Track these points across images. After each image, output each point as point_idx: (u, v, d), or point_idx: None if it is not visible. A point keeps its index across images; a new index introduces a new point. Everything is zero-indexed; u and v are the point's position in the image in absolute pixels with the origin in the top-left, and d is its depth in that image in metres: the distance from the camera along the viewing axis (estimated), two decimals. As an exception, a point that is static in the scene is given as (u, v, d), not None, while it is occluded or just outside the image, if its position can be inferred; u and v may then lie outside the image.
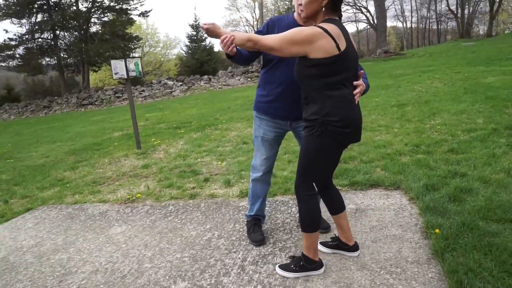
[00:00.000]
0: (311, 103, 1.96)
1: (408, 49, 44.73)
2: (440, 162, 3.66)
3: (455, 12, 50.44)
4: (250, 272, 2.29)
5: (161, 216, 3.33)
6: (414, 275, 2.06)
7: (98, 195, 4.11)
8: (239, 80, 20.53)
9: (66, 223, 3.46)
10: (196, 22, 27.71)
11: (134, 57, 5.82)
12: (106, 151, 6.30)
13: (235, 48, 2.09)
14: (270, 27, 2.32)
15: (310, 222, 2.10)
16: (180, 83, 20.61)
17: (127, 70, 5.52)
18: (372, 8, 41.99)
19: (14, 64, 24.15)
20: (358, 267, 2.21)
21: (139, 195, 3.89)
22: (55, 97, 23.19)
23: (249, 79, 20.76)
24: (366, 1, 45.99)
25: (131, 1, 24.12)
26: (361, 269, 2.18)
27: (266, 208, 3.23)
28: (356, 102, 1.99)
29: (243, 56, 2.28)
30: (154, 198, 3.77)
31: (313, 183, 2.06)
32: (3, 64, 24.14)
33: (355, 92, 1.98)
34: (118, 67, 5.50)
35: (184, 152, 5.37)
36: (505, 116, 4.90)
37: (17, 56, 23.97)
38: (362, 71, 2.11)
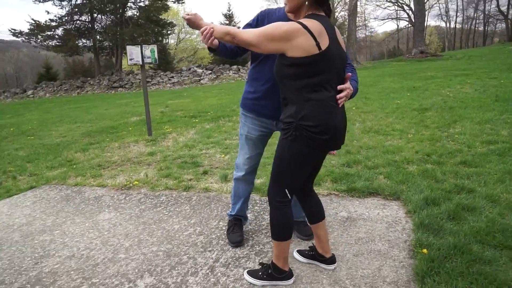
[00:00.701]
0: (289, 104, 1.82)
1: (449, 51, 42.92)
2: (449, 175, 3.42)
3: (505, 13, 47.74)
4: (219, 274, 2.20)
5: (151, 206, 3.29)
6: (387, 298, 1.91)
7: (99, 179, 4.15)
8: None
9: (61, 205, 3.49)
10: (229, 11, 27.66)
11: (151, 43, 5.80)
12: (119, 135, 6.37)
13: (216, 40, 1.98)
14: (260, 20, 2.19)
15: (280, 231, 1.98)
16: (209, 72, 20.69)
17: (143, 57, 5.52)
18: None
19: (53, 44, 24.99)
20: (330, 282, 2.07)
21: (136, 182, 3.89)
22: (88, 78, 23.87)
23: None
24: (408, -2, 44.27)
25: (167, -13, 24.38)
26: (332, 284, 2.05)
27: (255, 207, 3.13)
28: (339, 106, 1.84)
29: (227, 49, 2.17)
30: (150, 187, 3.75)
31: (286, 190, 1.93)
32: (43, 44, 25.04)
33: (340, 95, 1.83)
34: (134, 53, 5.50)
35: (192, 142, 5.33)
36: (533, 130, 4.54)
37: (56, 36, 24.79)
38: (350, 73, 1.94)
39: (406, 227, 2.63)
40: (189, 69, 21.69)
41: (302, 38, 1.67)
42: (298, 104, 1.77)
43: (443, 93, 7.54)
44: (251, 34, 1.75)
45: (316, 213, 2.14)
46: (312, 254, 2.24)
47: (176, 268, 2.29)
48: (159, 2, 24.13)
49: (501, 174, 3.32)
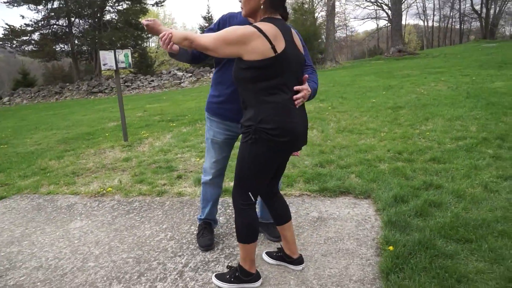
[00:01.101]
0: (248, 108, 1.84)
1: (428, 49, 43.76)
2: (419, 172, 3.49)
3: (479, 12, 49.03)
4: (187, 279, 2.20)
5: (124, 213, 3.26)
6: (352, 296, 1.94)
7: (72, 187, 4.08)
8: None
9: (32, 215, 3.42)
10: (208, 14, 27.58)
11: (124, 48, 5.75)
12: (95, 142, 6.28)
13: (176, 46, 1.98)
14: (221, 25, 2.20)
15: (245, 233, 1.99)
16: (190, 75, 20.59)
17: (116, 62, 5.46)
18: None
19: (29, 49, 24.46)
20: (298, 282, 2.09)
21: (109, 189, 3.84)
22: (67, 84, 23.45)
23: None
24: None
25: (145, -10, 24.14)
26: (300, 285, 2.07)
27: (227, 210, 3.14)
28: (298, 107, 1.86)
29: (188, 53, 2.17)
30: (123, 193, 3.71)
31: (249, 193, 1.94)
32: (19, 49, 24.47)
33: (296, 96, 1.84)
34: (107, 58, 5.44)
35: (167, 147, 5.30)
36: (501, 125, 4.67)
37: (33, 41, 24.27)
38: (307, 75, 1.96)
39: (375, 225, 2.68)
40: (169, 72, 21.54)
41: (257, 41, 1.69)
42: (256, 107, 1.78)
43: (418, 91, 7.69)
44: (208, 39, 1.76)
45: (282, 215, 2.16)
46: (280, 255, 2.26)
47: (145, 275, 2.27)
48: (138, 5, 23.90)
49: (467, 169, 3.41)
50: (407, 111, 5.94)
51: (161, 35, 1.89)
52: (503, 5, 48.50)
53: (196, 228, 2.82)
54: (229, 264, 2.26)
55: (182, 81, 19.78)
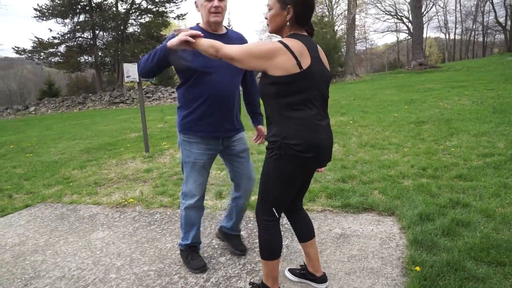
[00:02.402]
0: (272, 123, 1.83)
1: (449, 62, 43.13)
2: (444, 189, 3.40)
3: (504, 24, 48.09)
4: (209, 295, 2.18)
5: (145, 224, 3.28)
6: (378, 318, 1.88)
7: (94, 197, 4.14)
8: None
9: (55, 223, 3.48)
10: (229, 26, 27.94)
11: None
12: (117, 152, 6.38)
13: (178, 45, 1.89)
14: None
15: (268, 249, 1.95)
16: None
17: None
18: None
19: (55, 61, 25.29)
20: (322, 302, 2.04)
21: (131, 200, 3.88)
22: (90, 94, 24.06)
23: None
24: (408, 11, 45.00)
25: (167, 4, 24.68)
26: (324, 304, 2.02)
27: (249, 225, 3.11)
28: (323, 124, 1.83)
29: (162, 63, 2.04)
30: (145, 205, 3.73)
31: (273, 209, 1.92)
32: (46, 61, 25.35)
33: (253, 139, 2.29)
34: (131, 70, 5.55)
35: (188, 158, 5.33)
36: (530, 141, 4.52)
37: (59, 53, 25.11)
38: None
39: (400, 244, 2.61)
40: (190, 84, 21.81)
41: (283, 57, 1.68)
42: (281, 122, 1.77)
43: (441, 105, 7.55)
44: (235, 50, 1.76)
45: (305, 232, 2.13)
46: (303, 273, 2.22)
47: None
48: (160, 18, 24.49)
49: (496, 187, 3.30)
50: (430, 126, 5.82)
51: (194, 32, 1.88)
52: (529, 17, 47.46)
53: (218, 242, 2.82)
54: (252, 281, 2.23)
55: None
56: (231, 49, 1.77)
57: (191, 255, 2.49)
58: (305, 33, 1.81)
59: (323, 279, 2.16)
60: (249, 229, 3.04)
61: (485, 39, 57.74)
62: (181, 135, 2.35)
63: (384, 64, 54.59)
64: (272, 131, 1.81)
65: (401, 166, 4.14)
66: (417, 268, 2.19)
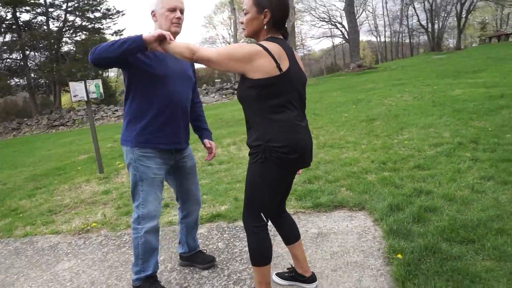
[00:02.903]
0: (254, 127, 1.82)
1: (382, 63, 45.87)
2: (406, 180, 3.58)
3: (426, 27, 52.30)
4: (199, 311, 2.10)
5: (114, 248, 3.10)
6: (372, 309, 1.92)
7: (51, 226, 3.84)
8: (213, 97, 20.50)
9: (10, 260, 3.18)
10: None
11: (95, 78, 5.62)
12: (67, 176, 6.00)
13: (155, 47, 1.84)
14: None
15: (260, 255, 1.93)
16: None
17: (87, 93, 5.30)
18: (346, 23, 43.34)
19: (-19, 85, 23.37)
20: (315, 301, 2.05)
21: (94, 224, 3.65)
22: (25, 119, 22.48)
23: (223, 96, 20.73)
24: (341, 17, 47.47)
25: (103, 20, 23.86)
26: (318, 303, 2.03)
27: (224, 235, 3.06)
28: (302, 125, 1.86)
29: (124, 54, 1.90)
30: (110, 227, 3.53)
31: (261, 214, 1.90)
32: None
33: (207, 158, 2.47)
34: (78, 89, 5.27)
35: (148, 175, 5.14)
36: (470, 129, 4.91)
37: (-15, 77, 23.24)
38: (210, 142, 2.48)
39: (376, 235, 2.70)
40: (134, 100, 21.16)
41: (262, 60, 1.69)
42: (263, 126, 1.77)
43: (386, 103, 7.98)
44: (212, 52, 1.73)
45: (291, 234, 2.13)
46: (292, 275, 2.21)
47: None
48: (97, 35, 23.59)
49: (451, 173, 3.54)
50: (381, 123, 6.12)
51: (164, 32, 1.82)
52: (445, 20, 52.14)
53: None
54: (243, 290, 2.18)
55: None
56: (208, 52, 1.74)
57: (154, 285, 2.24)
58: (281, 36, 1.83)
59: (312, 278, 2.17)
60: (225, 239, 2.99)
61: (411, 40, 62.39)
62: (136, 151, 2.13)
63: (322, 68, 56.72)
64: (254, 135, 1.80)
65: (362, 162, 4.30)
66: (399, 256, 2.28)
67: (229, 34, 53.52)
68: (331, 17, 48.59)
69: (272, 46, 1.72)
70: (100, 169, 5.61)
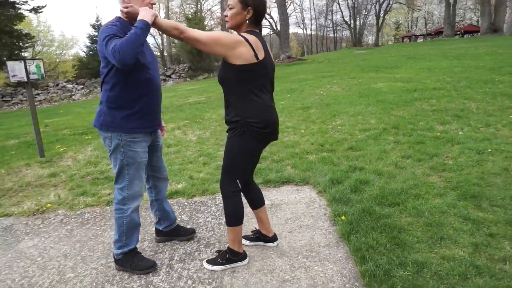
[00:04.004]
0: (232, 105, 2.14)
1: (308, 55, 47.89)
2: (342, 159, 4.14)
3: (349, 23, 55.66)
4: (179, 269, 2.38)
5: (78, 225, 3.21)
6: (326, 257, 2.37)
7: (-1, 209, 3.76)
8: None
9: (-37, 242, 3.12)
10: (98, 22, 26.08)
11: (35, 58, 5.40)
12: (1, 161, 5.70)
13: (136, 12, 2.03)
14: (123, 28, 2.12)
15: (235, 216, 2.27)
16: (81, 86, 19.30)
17: (27, 73, 5.10)
18: (275, 15, 44.32)
19: None
20: (278, 255, 2.45)
21: (49, 205, 3.67)
22: None
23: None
24: (269, 8, 48.49)
25: (19, -6, 21.71)
26: (281, 256, 2.43)
27: (186, 209, 3.33)
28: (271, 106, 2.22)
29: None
30: (68, 207, 3.59)
31: (237, 181, 2.24)
32: None
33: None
34: (17, 69, 5.04)
35: (94, 159, 5.15)
36: (392, 117, 5.68)
37: None
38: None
39: (322, 204, 3.18)
40: (57, 84, 19.81)
41: (243, 48, 2.01)
42: (242, 105, 2.10)
43: (318, 93, 8.66)
44: (201, 34, 2.01)
45: (258, 200, 2.49)
46: (257, 237, 2.59)
47: (136, 273, 2.38)
48: (12, 10, 21.40)
49: (379, 153, 4.17)
50: (315, 111, 6.72)
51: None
52: (366, 18, 56.03)
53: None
54: (217, 249, 2.51)
55: (73, 93, 18.42)
56: (197, 33, 2.01)
57: (136, 257, 2.40)
58: (257, 30, 2.16)
59: (274, 238, 2.57)
60: (187, 212, 3.25)
61: (335, 35, 65.97)
62: (124, 137, 2.21)
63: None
64: (233, 112, 2.13)
65: (302, 145, 4.80)
66: (343, 217, 2.77)
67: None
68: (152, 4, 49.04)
69: (251, 38, 2.05)
70: (41, 153, 5.44)
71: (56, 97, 18.22)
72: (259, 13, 2.12)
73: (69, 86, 19.25)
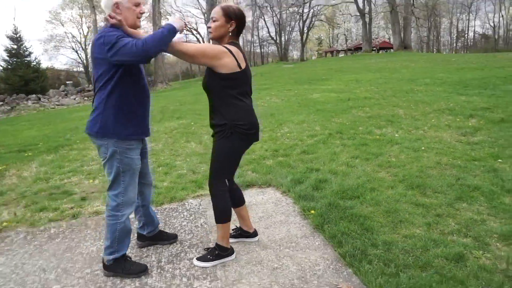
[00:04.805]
0: (218, 110, 2.34)
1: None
2: (298, 162, 4.48)
3: (275, 38, 57.99)
4: (170, 269, 2.48)
5: (46, 240, 3.10)
6: (306, 245, 2.64)
7: None
8: (74, 99, 19.07)
9: None
10: (16, 34, 24.13)
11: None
12: None
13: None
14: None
15: (224, 213, 2.45)
16: (0, 103, 17.73)
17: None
18: (202, 30, 45.07)
19: None
20: (262, 248, 2.66)
21: (5, 223, 3.48)
22: None
23: (85, 98, 19.45)
24: (196, 24, 48.88)
25: None
26: (264, 249, 2.64)
27: (158, 215, 3.39)
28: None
29: None
30: (28, 224, 3.43)
31: (226, 180, 2.42)
32: None
33: None
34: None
35: (44, 175, 4.91)
36: (334, 124, 6.21)
37: None
38: None
39: (288, 202, 3.45)
40: (-31, 101, 17.97)
41: (228, 59, 2.23)
42: (228, 109, 2.31)
43: (259, 104, 9.03)
44: (188, 46, 2.20)
45: (240, 198, 2.70)
46: (239, 233, 2.78)
47: (127, 277, 2.42)
48: None
49: (330, 155, 4.59)
50: (261, 120, 7.03)
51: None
52: (290, 34, 58.94)
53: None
54: (206, 247, 2.65)
55: (-10, 110, 16.87)
56: (184, 46, 2.19)
57: (128, 262, 2.47)
58: (237, 42, 2.39)
59: (255, 233, 2.78)
60: (161, 219, 3.31)
61: (262, 50, 68.25)
62: (121, 144, 2.25)
63: (177, 73, 56.88)
64: (219, 116, 2.33)
65: (258, 151, 5.07)
66: (312, 212, 3.07)
67: (80, 33, 49.47)
68: (187, 23, 49.41)
69: (234, 49, 2.28)
70: (-22, 172, 5.05)
71: (-32, 115, 16.50)
72: (241, 26, 2.36)
73: (-16, 102, 17.60)
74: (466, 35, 65.55)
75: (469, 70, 12.77)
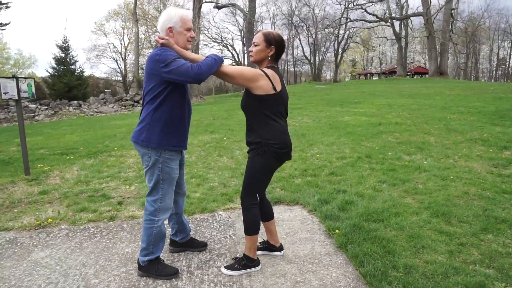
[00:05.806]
0: (254, 129, 2.52)
1: (271, 87, 49.21)
2: (326, 183, 4.58)
3: (309, 58, 58.40)
4: (199, 275, 2.64)
5: (86, 238, 3.36)
6: (329, 263, 2.74)
7: (-4, 224, 3.80)
8: (112, 107, 19.88)
9: (-31, 254, 3.16)
10: (65, 43, 25.69)
11: (27, 78, 5.51)
12: (-19, 179, 5.61)
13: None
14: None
15: (254, 226, 2.60)
16: (45, 107, 18.80)
17: (19, 91, 5.20)
18: (237, 46, 46.02)
19: None
20: (286, 262, 2.78)
21: (50, 220, 3.77)
22: None
23: (123, 107, 20.25)
24: (232, 39, 50.04)
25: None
26: (289, 263, 2.77)
27: (190, 224, 3.58)
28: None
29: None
30: (70, 222, 3.71)
31: (256, 195, 2.58)
32: None
33: None
34: (9, 86, 5.14)
35: (84, 178, 5.25)
36: (363, 148, 6.27)
37: None
38: None
39: (314, 221, 3.56)
40: (17, 103, 19.13)
41: (264, 81, 2.42)
42: (263, 128, 2.48)
43: (291, 123, 9.21)
44: (230, 68, 2.42)
45: (269, 212, 2.84)
46: (266, 246, 2.91)
47: (160, 278, 2.60)
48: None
49: (357, 178, 4.66)
50: (293, 140, 7.19)
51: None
52: (324, 55, 59.18)
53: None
54: (234, 257, 2.80)
55: (36, 114, 17.87)
56: (227, 68, 2.40)
57: (160, 265, 2.63)
58: (276, 66, 2.58)
59: (281, 247, 2.91)
60: (192, 229, 3.51)
61: (295, 69, 68.78)
62: (164, 153, 2.45)
63: (211, 87, 58.20)
64: (255, 134, 2.50)
65: (287, 170, 5.21)
66: (337, 231, 3.17)
67: (121, 43, 51.65)
68: (223, 39, 50.61)
69: (270, 72, 2.47)
70: (27, 170, 5.45)
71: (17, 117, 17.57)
72: (280, 51, 2.55)
73: (32, 106, 18.69)
74: (507, 63, 63.51)
75: (507, 100, 12.47)
